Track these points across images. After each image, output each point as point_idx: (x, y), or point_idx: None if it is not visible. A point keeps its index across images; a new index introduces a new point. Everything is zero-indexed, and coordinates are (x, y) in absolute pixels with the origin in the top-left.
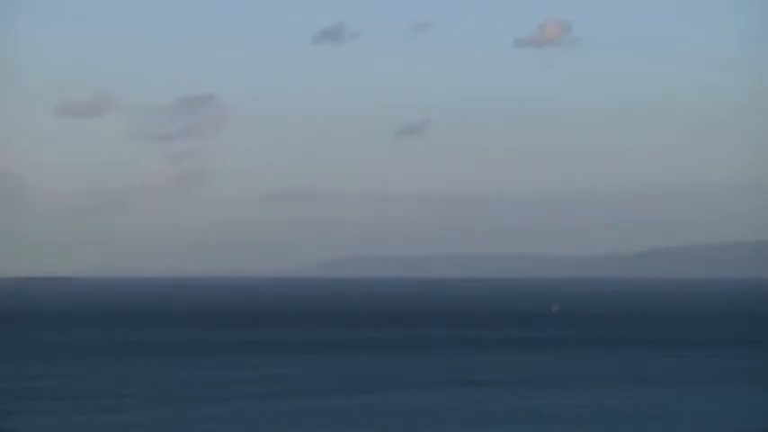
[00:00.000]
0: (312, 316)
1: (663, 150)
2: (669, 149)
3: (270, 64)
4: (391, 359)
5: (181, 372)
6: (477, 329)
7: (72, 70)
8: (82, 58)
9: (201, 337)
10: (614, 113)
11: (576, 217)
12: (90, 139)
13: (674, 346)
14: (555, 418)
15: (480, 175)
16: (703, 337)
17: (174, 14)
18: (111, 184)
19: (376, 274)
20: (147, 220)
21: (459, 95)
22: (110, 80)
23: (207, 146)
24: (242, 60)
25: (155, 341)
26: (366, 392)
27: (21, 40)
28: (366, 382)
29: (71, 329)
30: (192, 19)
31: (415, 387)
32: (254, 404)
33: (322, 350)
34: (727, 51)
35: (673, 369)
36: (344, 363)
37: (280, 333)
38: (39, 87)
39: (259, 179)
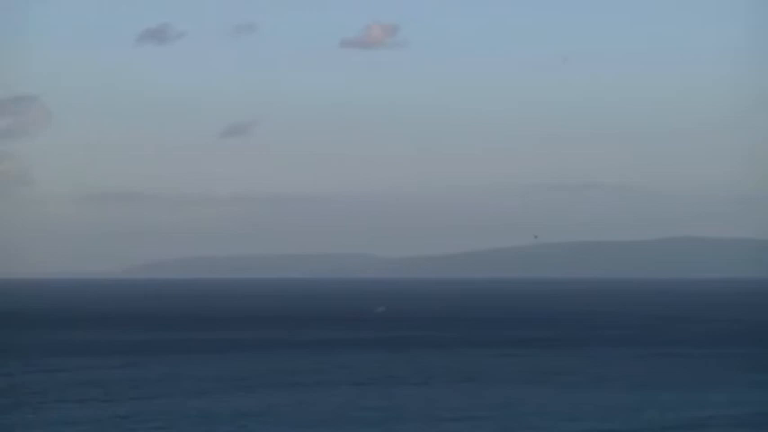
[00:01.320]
0: (131, 318)
1: (492, 153)
2: (498, 152)
3: (93, 64)
4: (212, 361)
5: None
6: (299, 330)
7: None
8: None
9: (19, 339)
10: (440, 115)
11: (404, 218)
12: None
13: (498, 345)
14: (385, 420)
15: (307, 176)
16: (530, 336)
17: None
18: None
19: (199, 276)
20: None
21: (285, 96)
22: None
23: (29, 146)
24: (65, 60)
25: None
26: (189, 396)
27: None
28: (188, 385)
29: None
30: (14, 18)
31: (237, 389)
32: (80, 409)
33: (140, 352)
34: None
35: (491, 368)
36: (164, 365)
37: (100, 334)
38: None
39: (82, 180)
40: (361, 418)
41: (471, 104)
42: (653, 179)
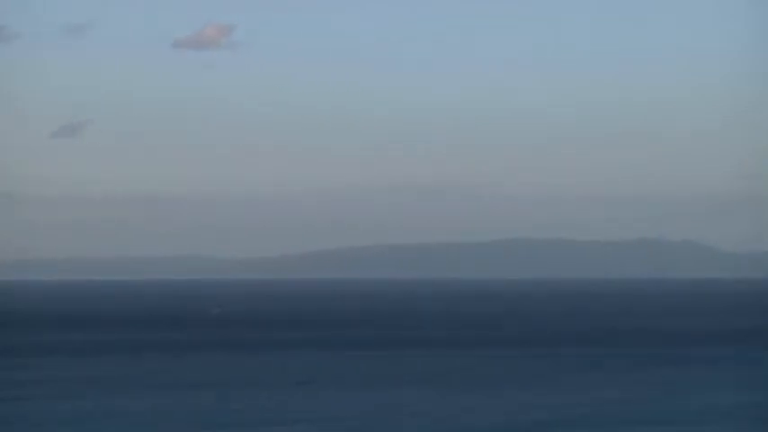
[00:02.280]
0: None
1: (331, 154)
2: (336, 153)
3: None
4: (36, 366)
5: None
6: (134, 332)
7: None
8: None
9: None
10: (276, 115)
11: (241, 218)
12: None
13: (336, 347)
14: (229, 424)
15: (140, 177)
16: (370, 336)
17: None
18: None
19: (32, 277)
20: None
21: (119, 97)
22: None
23: None
24: None
25: None
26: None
27: None
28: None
29: None
30: None
31: (70, 394)
32: None
33: None
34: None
35: (327, 370)
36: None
37: None
38: None
39: None
40: (207, 421)
41: (307, 105)
42: (497, 182)
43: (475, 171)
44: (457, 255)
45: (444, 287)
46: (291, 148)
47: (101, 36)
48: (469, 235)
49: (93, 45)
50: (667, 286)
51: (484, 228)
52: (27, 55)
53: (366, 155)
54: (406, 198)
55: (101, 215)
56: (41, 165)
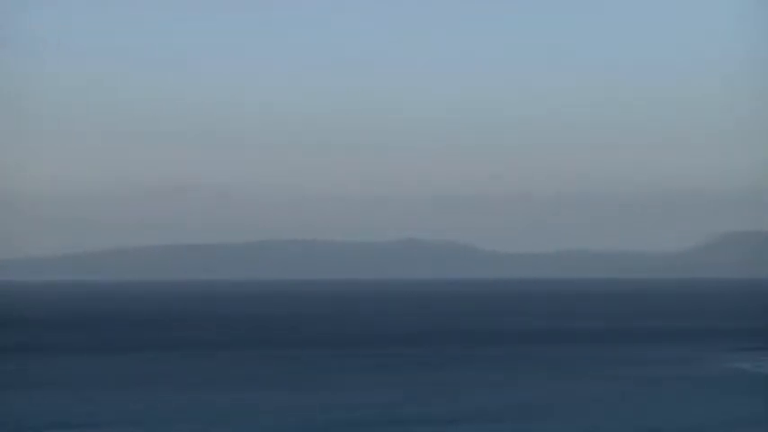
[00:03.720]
0: None
1: (129, 151)
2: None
3: None
4: None
5: None
6: None
7: None
8: None
9: None
10: (68, 112)
11: (28, 216)
12: None
13: (110, 351)
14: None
15: None
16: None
17: None
18: None
19: None
20: None
21: None
22: None
23: None
24: None
25: None
26: None
27: None
28: None
29: None
30: None
31: None
32: None
33: None
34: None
35: (105, 372)
36: None
37: None
38: None
39: None
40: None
41: (92, 99)
42: (251, 183)
43: (233, 170)
44: (223, 255)
45: (206, 288)
46: (83, 146)
47: None
48: (228, 236)
49: None
50: (416, 288)
51: (247, 228)
52: None
53: (151, 152)
54: (157, 198)
55: None
56: None
